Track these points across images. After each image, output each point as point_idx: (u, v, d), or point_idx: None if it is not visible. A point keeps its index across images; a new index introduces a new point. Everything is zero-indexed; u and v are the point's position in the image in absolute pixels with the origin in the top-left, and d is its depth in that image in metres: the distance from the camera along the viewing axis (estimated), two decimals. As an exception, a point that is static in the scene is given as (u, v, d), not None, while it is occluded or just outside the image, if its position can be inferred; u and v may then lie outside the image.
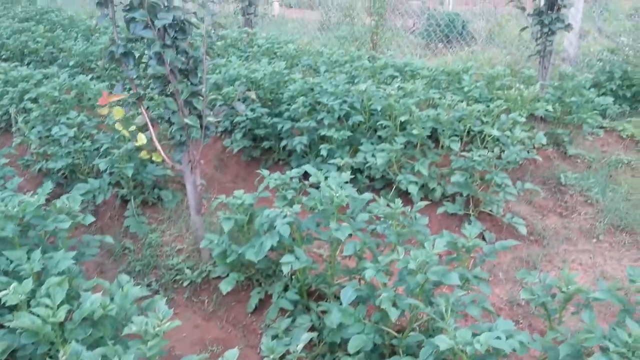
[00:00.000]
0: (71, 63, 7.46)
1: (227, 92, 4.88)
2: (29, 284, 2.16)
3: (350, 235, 2.86)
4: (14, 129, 5.85)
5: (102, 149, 4.19)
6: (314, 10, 11.88)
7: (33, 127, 5.04)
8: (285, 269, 2.68)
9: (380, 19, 7.50)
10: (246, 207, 3.16)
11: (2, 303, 2.43)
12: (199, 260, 3.53)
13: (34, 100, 5.53)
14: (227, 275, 3.20)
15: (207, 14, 3.37)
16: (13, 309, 2.30)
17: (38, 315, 1.99)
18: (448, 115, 3.91)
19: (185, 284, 3.36)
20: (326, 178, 2.98)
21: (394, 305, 2.23)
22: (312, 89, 4.79)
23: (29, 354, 2.08)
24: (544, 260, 3.63)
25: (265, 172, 3.32)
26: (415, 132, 3.89)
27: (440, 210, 3.89)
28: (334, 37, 8.76)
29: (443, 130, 4.04)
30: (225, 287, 2.99)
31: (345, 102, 4.40)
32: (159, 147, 3.52)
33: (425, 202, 2.84)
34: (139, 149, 4.18)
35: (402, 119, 3.95)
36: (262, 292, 3.12)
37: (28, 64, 8.14)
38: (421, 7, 9.43)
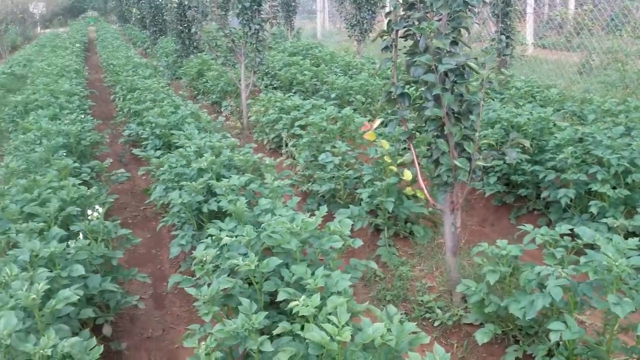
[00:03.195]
0: (332, 95, 8.18)
1: (485, 134, 4.83)
2: (317, 299, 2.38)
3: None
4: (283, 151, 6.63)
5: (365, 180, 4.47)
6: (572, 52, 11.12)
7: (301, 152, 5.62)
8: (554, 337, 2.51)
9: (662, 65, 6.67)
10: (509, 259, 3.05)
11: (286, 310, 2.74)
12: (450, 302, 3.51)
13: (303, 127, 6.18)
14: (481, 325, 3.12)
15: (489, 60, 3.38)
16: (289, 315, 2.58)
17: (326, 331, 2.18)
18: None
19: (435, 323, 3.37)
20: (609, 240, 2.72)
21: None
22: (581, 139, 4.47)
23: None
24: None
25: (529, 226, 3.18)
26: None
27: None
28: (597, 83, 8.07)
29: None
30: (481, 337, 2.91)
31: (623, 157, 3.99)
32: (422, 186, 3.63)
33: None
34: (396, 183, 4.38)
35: (702, 184, 3.43)
36: (519, 350, 2.95)
37: (294, 93, 9.17)
38: None
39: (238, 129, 8.44)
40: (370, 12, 11.51)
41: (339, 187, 4.93)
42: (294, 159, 5.93)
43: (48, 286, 2.45)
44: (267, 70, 10.26)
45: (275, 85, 10.06)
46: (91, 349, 2.30)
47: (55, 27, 36.45)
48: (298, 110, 6.71)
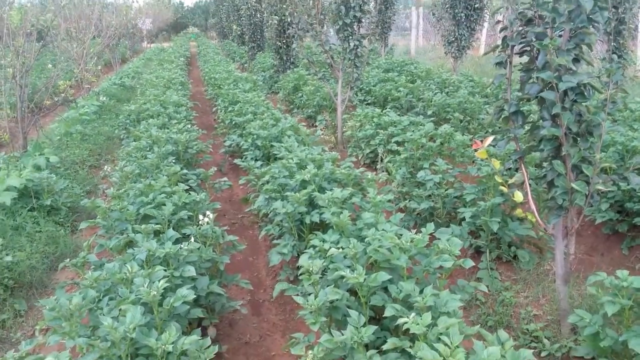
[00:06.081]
0: (429, 112, 8.08)
1: (598, 158, 4.56)
2: (428, 318, 2.34)
3: None
4: (378, 166, 6.61)
5: (467, 199, 4.35)
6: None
7: (399, 168, 5.57)
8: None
9: None
10: (630, 291, 2.85)
11: (389, 326, 2.71)
12: (559, 332, 3.32)
13: (400, 144, 6.13)
14: (593, 359, 2.94)
15: (615, 79, 3.22)
16: (392, 332, 2.54)
17: (438, 351, 2.13)
18: None
19: (542, 354, 3.20)
20: None
21: None
22: None
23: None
24: None
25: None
26: None
27: None
28: None
29: None
30: (598, 373, 2.73)
31: None
32: (534, 208, 3.47)
33: None
34: (500, 204, 4.23)
35: None
36: (639, 390, 2.74)
37: (389, 110, 9.13)
38: None
39: (332, 143, 8.54)
40: (469, 29, 11.31)
41: (437, 205, 4.84)
42: (389, 174, 5.90)
43: (167, 284, 2.57)
44: (361, 86, 10.33)
45: (369, 101, 10.10)
46: (206, 348, 2.39)
47: (159, 42, 38.99)
48: (395, 126, 6.68)
